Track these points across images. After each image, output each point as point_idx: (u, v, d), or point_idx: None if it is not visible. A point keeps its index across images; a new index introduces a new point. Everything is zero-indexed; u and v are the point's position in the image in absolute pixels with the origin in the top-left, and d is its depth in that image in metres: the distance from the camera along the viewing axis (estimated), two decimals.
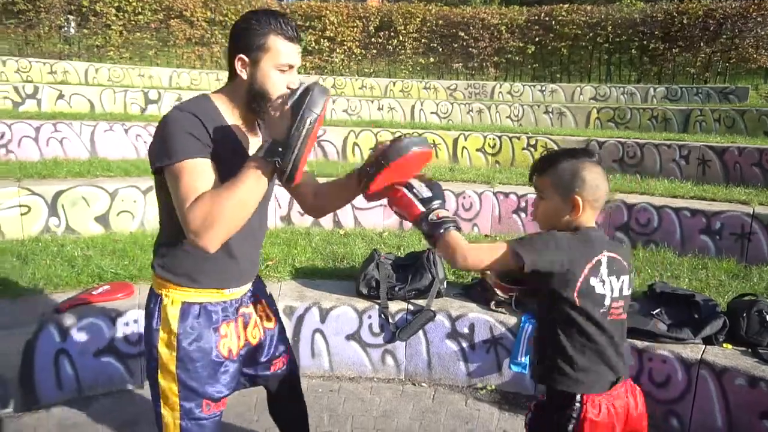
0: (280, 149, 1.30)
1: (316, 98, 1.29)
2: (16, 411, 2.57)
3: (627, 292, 1.47)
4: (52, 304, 2.77)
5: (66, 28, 9.42)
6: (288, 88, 1.50)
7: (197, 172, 1.38)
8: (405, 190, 1.51)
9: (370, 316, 2.96)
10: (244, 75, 1.50)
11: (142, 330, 2.79)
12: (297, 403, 2.04)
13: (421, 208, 1.48)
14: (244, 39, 1.48)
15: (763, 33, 9.25)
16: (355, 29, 10.40)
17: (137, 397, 2.77)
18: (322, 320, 2.97)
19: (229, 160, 1.46)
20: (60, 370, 2.65)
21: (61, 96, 6.42)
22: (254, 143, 1.59)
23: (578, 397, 1.41)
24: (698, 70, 9.50)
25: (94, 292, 2.87)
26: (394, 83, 9.33)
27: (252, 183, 1.34)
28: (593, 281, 1.39)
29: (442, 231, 1.44)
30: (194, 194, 1.35)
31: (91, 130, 5.43)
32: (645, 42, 9.64)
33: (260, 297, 1.83)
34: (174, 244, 1.56)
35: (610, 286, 1.42)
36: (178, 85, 8.37)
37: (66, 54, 9.03)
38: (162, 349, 1.58)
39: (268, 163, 1.33)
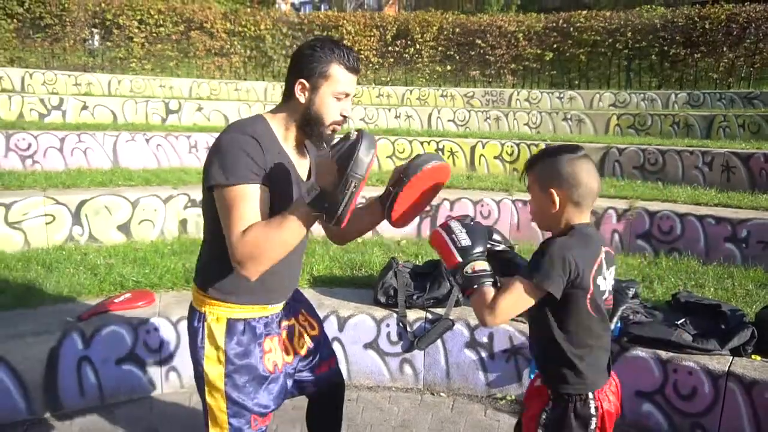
0: (326, 204, 1.35)
1: (362, 159, 1.32)
2: (40, 416, 2.61)
3: (613, 279, 1.51)
4: (75, 312, 2.81)
5: (90, 41, 9.64)
6: (342, 114, 1.56)
7: (250, 200, 1.42)
8: (444, 235, 1.45)
9: (388, 325, 2.95)
10: (302, 99, 1.54)
11: (162, 337, 2.85)
12: (333, 410, 2.06)
13: (459, 258, 1.42)
14: (307, 65, 1.52)
15: None
16: (372, 38, 10.45)
17: (158, 404, 2.79)
18: (340, 329, 2.97)
19: (281, 183, 1.52)
20: (83, 377, 2.69)
21: (85, 107, 6.56)
22: (302, 165, 1.64)
23: (591, 395, 1.45)
24: (721, 75, 9.32)
25: (115, 300, 2.91)
26: (411, 91, 9.34)
27: (296, 227, 1.39)
28: (599, 281, 1.42)
29: (475, 286, 1.39)
30: (245, 223, 1.39)
31: (114, 140, 5.54)
32: (666, 47, 9.49)
33: (300, 307, 1.85)
34: (219, 260, 1.57)
35: (609, 279, 1.46)
36: (198, 96, 8.50)
37: (90, 66, 9.23)
38: (209, 367, 1.58)
39: (314, 211, 1.38)
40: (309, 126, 1.56)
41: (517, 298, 1.36)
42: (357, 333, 2.97)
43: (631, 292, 2.84)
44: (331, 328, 2.95)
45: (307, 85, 1.53)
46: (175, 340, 2.85)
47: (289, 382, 1.77)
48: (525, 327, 2.82)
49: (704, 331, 2.56)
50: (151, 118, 6.88)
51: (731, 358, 2.45)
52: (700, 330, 2.57)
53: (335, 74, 1.52)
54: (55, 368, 2.62)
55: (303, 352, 1.81)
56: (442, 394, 2.95)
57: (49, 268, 3.43)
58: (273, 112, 1.61)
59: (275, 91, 8.95)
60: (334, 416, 2.08)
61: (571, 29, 9.92)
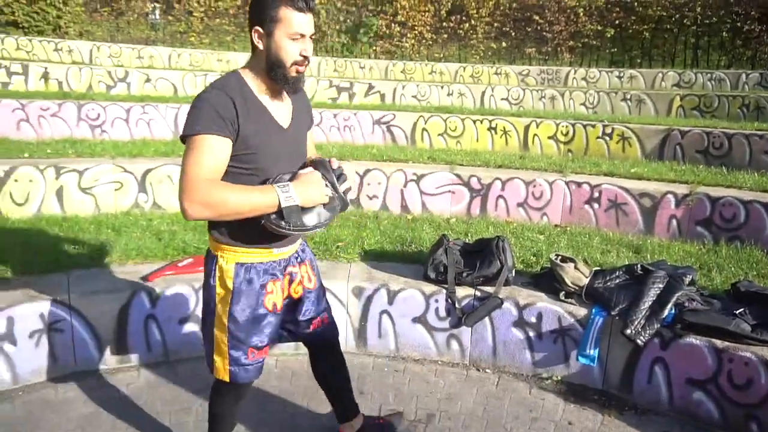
0: (298, 223, 1.61)
1: (334, 214, 1.74)
2: (112, 367, 2.83)
3: None
4: (142, 273, 3.00)
5: (152, 15, 9.97)
6: (302, 54, 1.64)
7: (209, 148, 1.55)
8: None
9: (437, 300, 3.00)
10: (260, 46, 1.65)
11: None
12: (336, 358, 2.19)
13: None
14: (259, 12, 1.62)
15: None
16: (427, 14, 10.30)
17: None
18: (390, 302, 3.04)
19: (259, 128, 1.65)
20: (149, 333, 2.88)
21: (148, 80, 6.83)
22: (280, 109, 1.75)
23: None
24: None
25: (179, 264, 3.08)
26: (464, 68, 9.19)
27: (259, 208, 1.58)
28: None
29: None
30: (202, 168, 1.53)
31: (175, 112, 5.77)
32: (739, 24, 8.93)
33: (305, 259, 1.98)
34: None
35: None
36: None
37: (152, 40, 9.56)
38: (218, 304, 1.78)
39: (280, 212, 1.58)
40: (273, 71, 1.65)
41: None
42: (406, 307, 3.04)
43: (687, 279, 2.78)
44: (380, 301, 3.04)
45: (262, 31, 1.62)
46: None
47: (282, 326, 1.95)
48: (574, 308, 2.81)
49: (764, 321, 2.48)
50: None
51: None
52: (760, 320, 2.49)
53: (285, 16, 1.59)
54: (125, 324, 2.82)
55: (296, 296, 1.93)
56: (487, 370, 2.99)
57: (118, 232, 3.65)
58: (246, 65, 1.72)
59: (328, 66, 9.01)
60: (336, 360, 2.19)
61: (635, 4, 9.47)
